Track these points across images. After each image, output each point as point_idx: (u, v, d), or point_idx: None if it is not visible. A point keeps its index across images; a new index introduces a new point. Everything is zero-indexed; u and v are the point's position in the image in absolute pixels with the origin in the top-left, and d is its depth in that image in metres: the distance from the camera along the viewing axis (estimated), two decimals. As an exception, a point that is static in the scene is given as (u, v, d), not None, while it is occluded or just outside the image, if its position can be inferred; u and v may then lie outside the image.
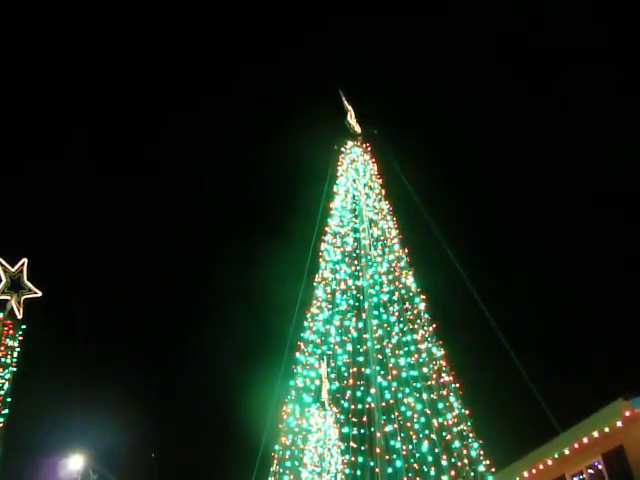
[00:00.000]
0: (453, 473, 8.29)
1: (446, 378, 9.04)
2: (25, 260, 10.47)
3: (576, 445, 13.51)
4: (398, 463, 8.22)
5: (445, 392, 8.96)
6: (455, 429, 8.81)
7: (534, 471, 14.62)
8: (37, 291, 11.53)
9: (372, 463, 7.84)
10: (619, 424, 12.45)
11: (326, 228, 10.74)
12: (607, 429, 12.73)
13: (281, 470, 8.71)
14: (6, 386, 11.42)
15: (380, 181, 11.53)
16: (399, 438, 8.55)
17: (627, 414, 12.29)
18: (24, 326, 11.81)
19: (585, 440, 13.39)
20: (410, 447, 8.75)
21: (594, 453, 13.68)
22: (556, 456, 14.21)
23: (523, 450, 16.32)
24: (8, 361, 11.52)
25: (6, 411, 11.37)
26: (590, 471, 13.85)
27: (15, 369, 11.71)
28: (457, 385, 9.07)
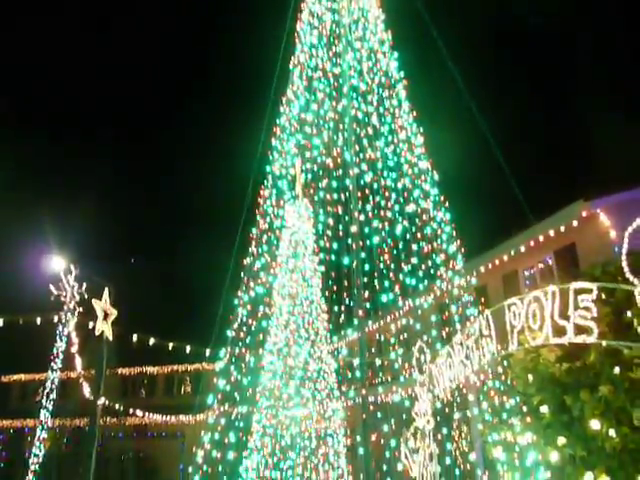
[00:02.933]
0: (425, 250, 8.70)
1: (423, 165, 9.06)
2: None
3: (531, 242, 14.32)
4: (376, 239, 8.55)
5: (422, 179, 9.04)
6: (430, 214, 9.06)
7: (490, 266, 15.80)
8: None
9: (344, 238, 8.05)
10: (575, 223, 13.04)
11: (302, 5, 9.78)
12: (563, 228, 13.36)
13: (259, 251, 8.96)
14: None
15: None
16: (372, 215, 8.77)
17: (584, 214, 12.83)
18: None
19: (540, 238, 14.15)
20: (385, 231, 9.04)
21: (547, 250, 14.61)
22: (512, 253, 15.12)
23: (485, 246, 17.52)
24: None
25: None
26: (540, 266, 15.01)
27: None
28: (434, 172, 9.14)
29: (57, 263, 15.94)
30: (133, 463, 27.69)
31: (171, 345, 17.00)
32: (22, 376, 35.41)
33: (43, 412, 13.51)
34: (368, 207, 8.92)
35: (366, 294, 8.67)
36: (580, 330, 6.48)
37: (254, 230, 9.10)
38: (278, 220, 9.44)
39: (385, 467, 10.67)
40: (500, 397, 8.95)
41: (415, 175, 8.91)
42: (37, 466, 13.01)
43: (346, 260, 8.78)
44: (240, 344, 9.22)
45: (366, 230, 8.95)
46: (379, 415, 13.00)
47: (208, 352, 9.29)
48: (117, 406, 21.69)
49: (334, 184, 9.43)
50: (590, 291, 6.43)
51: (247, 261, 8.80)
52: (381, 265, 8.98)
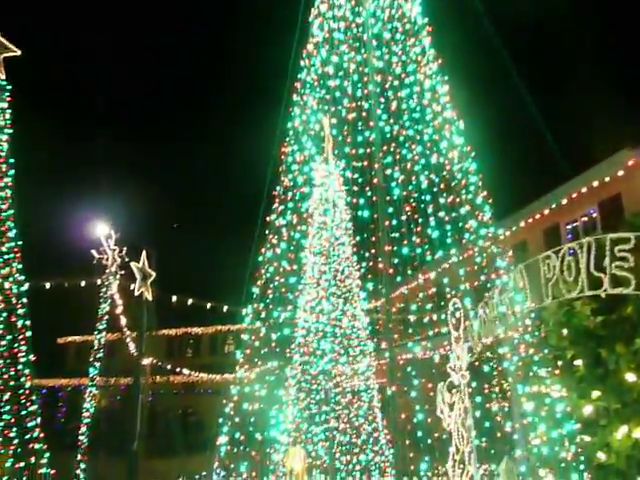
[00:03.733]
0: (452, 202, 8.48)
1: (449, 115, 8.73)
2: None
3: (574, 195, 13.76)
4: (397, 191, 8.38)
5: (447, 129, 8.73)
6: (456, 166, 8.78)
7: (530, 220, 15.30)
8: (15, 49, 10.74)
9: (370, 193, 7.91)
10: (620, 173, 12.46)
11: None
12: (607, 178, 12.80)
13: (283, 208, 8.92)
14: (5, 147, 11.30)
15: None
16: (397, 168, 8.58)
17: (630, 163, 12.24)
18: (9, 87, 11.29)
19: (583, 190, 13.57)
20: (410, 183, 8.84)
21: (590, 202, 14.01)
22: (553, 206, 14.59)
23: (524, 200, 16.98)
24: (2, 123, 11.25)
25: (12, 172, 11.41)
26: (584, 219, 14.42)
27: (11, 130, 11.50)
28: (460, 122, 8.80)
29: (100, 229, 16.38)
30: (181, 418, 28.90)
31: (209, 305, 17.37)
32: (76, 338, 37.23)
33: (92, 371, 14.17)
34: (393, 159, 8.71)
35: (392, 248, 8.54)
36: (617, 281, 6.22)
37: (278, 188, 9.04)
38: (302, 177, 9.34)
39: (420, 422, 10.74)
40: (533, 351, 8.79)
41: (440, 125, 8.60)
42: (89, 419, 13.69)
43: (371, 215, 8.66)
44: (272, 302, 9.30)
45: (393, 184, 8.77)
46: (413, 371, 13.03)
47: (245, 311, 9.42)
48: (162, 365, 22.50)
49: (359, 138, 9.24)
50: (628, 241, 6.13)
51: (271, 218, 8.78)
52: (407, 218, 8.81)
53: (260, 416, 9.04)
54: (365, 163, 9.15)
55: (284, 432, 11.84)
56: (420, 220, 8.78)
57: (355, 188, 9.61)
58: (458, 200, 8.56)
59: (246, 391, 8.74)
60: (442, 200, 8.72)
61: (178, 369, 30.01)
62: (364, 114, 8.84)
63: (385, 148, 8.81)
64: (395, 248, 8.71)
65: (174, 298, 19.29)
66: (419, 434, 10.72)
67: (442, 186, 8.58)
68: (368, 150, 9.04)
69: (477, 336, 11.24)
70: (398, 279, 9.09)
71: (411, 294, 12.75)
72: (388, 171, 8.80)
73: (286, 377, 12.45)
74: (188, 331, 35.80)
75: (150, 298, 15.55)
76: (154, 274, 15.65)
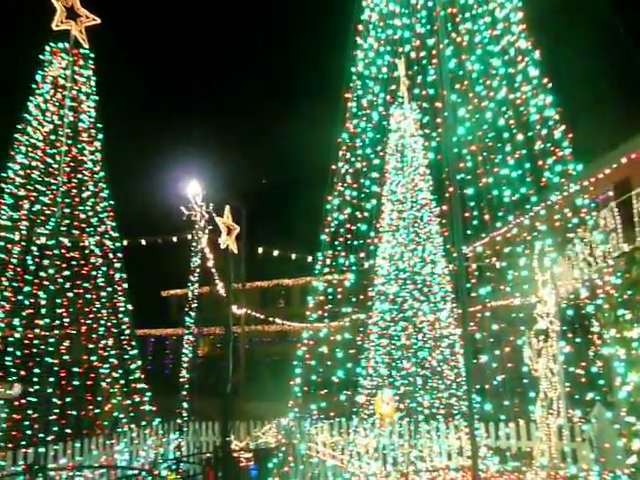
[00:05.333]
0: (528, 139, 7.97)
1: (524, 44, 8.10)
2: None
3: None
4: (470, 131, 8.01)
5: (521, 60, 8.10)
6: (533, 100, 8.20)
7: (634, 156, 14.03)
8: (95, 18, 11.19)
9: (442, 135, 7.62)
10: None
11: None
12: None
13: (354, 154, 8.80)
14: (93, 112, 11.92)
15: None
16: (470, 107, 8.16)
17: None
18: (92, 55, 11.84)
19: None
20: (484, 121, 8.40)
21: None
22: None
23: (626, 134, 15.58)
24: (88, 90, 11.87)
25: (101, 136, 12.05)
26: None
27: (97, 97, 12.10)
28: (537, 53, 8.13)
29: (188, 187, 17.10)
30: (275, 365, 30.36)
31: (293, 256, 17.85)
32: (178, 291, 39.83)
33: (188, 320, 15.14)
34: (464, 97, 8.27)
35: (465, 191, 8.22)
36: None
37: (344, 135, 8.91)
38: (371, 123, 9.15)
39: (508, 369, 10.58)
40: (624, 293, 8.27)
41: (513, 58, 8.01)
42: (188, 365, 14.72)
43: (446, 157, 8.34)
44: (348, 249, 9.37)
45: (466, 124, 8.37)
46: (497, 318, 12.76)
47: (316, 260, 9.57)
48: (255, 315, 23.60)
49: (428, 77, 8.85)
50: None
51: (337, 166, 8.71)
52: (482, 159, 8.42)
53: (339, 361, 9.30)
54: (437, 104, 8.77)
55: (366, 377, 12.15)
56: (496, 160, 8.36)
57: (427, 131, 9.24)
58: (536, 138, 8.03)
59: (322, 336, 8.98)
60: (519, 137, 8.22)
61: (271, 318, 31.37)
62: (433, 51, 8.41)
63: (457, 86, 8.36)
64: (470, 191, 8.38)
65: (260, 250, 19.99)
66: (504, 381, 10.57)
67: (517, 122, 8.07)
68: (439, 90, 8.64)
69: (562, 279, 10.76)
70: (475, 222, 8.77)
71: (491, 239, 12.33)
72: (461, 111, 8.40)
73: (366, 324, 12.68)
74: (279, 282, 37.12)
75: (235, 251, 16.21)
76: (238, 228, 16.22)
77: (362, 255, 9.84)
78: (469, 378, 7.93)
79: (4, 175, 10.69)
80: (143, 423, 12.04)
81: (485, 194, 8.45)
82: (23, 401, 10.73)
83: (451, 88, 8.22)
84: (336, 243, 9.43)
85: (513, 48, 7.98)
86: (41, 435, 8.99)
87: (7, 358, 10.23)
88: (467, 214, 8.62)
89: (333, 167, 8.60)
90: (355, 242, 9.45)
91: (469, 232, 8.87)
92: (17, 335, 10.37)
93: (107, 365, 10.85)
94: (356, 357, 11.78)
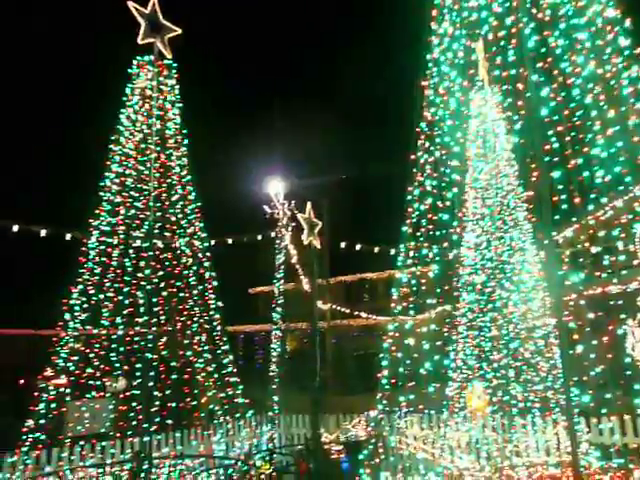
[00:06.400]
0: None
1: (612, 13, 7.56)
2: (155, -1, 10.42)
3: None
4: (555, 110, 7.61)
5: (610, 30, 7.55)
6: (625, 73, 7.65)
7: None
8: (176, 29, 11.71)
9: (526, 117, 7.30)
10: None
11: None
12: None
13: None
14: (178, 119, 12.46)
15: None
16: (555, 85, 7.74)
17: None
18: (175, 64, 12.39)
19: None
20: (570, 100, 7.95)
21: None
22: None
23: None
24: (173, 98, 12.43)
25: (186, 141, 12.56)
26: None
27: (181, 105, 12.65)
28: (628, 21, 7.58)
29: (271, 184, 17.51)
30: (361, 359, 30.41)
31: (376, 249, 17.82)
32: (264, 288, 40.88)
33: (275, 316, 15.49)
34: (548, 75, 7.87)
35: (554, 174, 7.82)
36: None
37: (422, 124, 8.76)
38: (449, 109, 8.92)
39: (601, 359, 10.00)
40: None
41: (600, 29, 7.50)
42: (277, 359, 15.09)
43: (530, 140, 7.99)
44: (430, 240, 9.23)
45: (551, 103, 7.96)
46: (593, 307, 12.01)
47: (398, 252, 9.51)
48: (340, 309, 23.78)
49: (508, 58, 8.49)
50: None
51: (416, 156, 8.58)
52: (569, 139, 7.98)
53: (426, 353, 9.19)
54: (518, 85, 8.42)
55: (455, 369, 11.90)
56: (585, 139, 7.90)
57: (509, 113, 8.87)
58: (630, 112, 7.50)
59: (407, 328, 8.90)
60: (611, 114, 7.71)
61: (356, 313, 31.46)
62: (513, 30, 8.07)
63: (540, 65, 7.98)
64: (558, 173, 7.97)
65: (342, 244, 20.11)
66: (604, 372, 9.99)
67: (608, 98, 7.57)
68: (521, 70, 8.29)
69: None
70: (564, 207, 8.33)
71: (583, 223, 11.66)
72: (545, 90, 8.01)
73: (454, 315, 12.42)
74: (364, 277, 37.16)
75: (319, 246, 16.41)
76: (320, 223, 16.43)
77: (445, 245, 9.64)
78: (566, 370, 7.60)
79: (102, 184, 11.44)
80: (237, 415, 12.51)
81: (575, 176, 8.00)
82: (128, 394, 11.49)
83: (533, 67, 7.88)
84: (418, 234, 9.30)
85: (600, 18, 7.48)
86: (145, 425, 9.58)
87: (112, 354, 10.97)
88: (556, 198, 8.20)
89: (412, 157, 8.48)
90: (438, 232, 9.27)
91: (558, 217, 8.43)
92: (120, 332, 11.10)
93: (201, 360, 11.37)
94: (444, 349, 11.58)
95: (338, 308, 30.12)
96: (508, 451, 10.33)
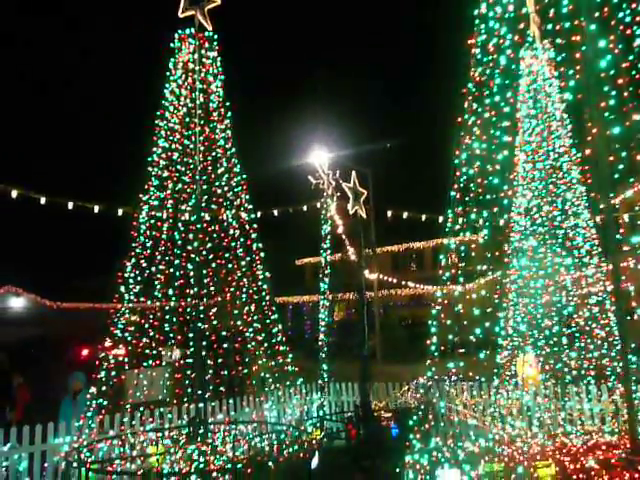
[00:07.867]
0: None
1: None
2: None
3: None
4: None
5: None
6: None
7: None
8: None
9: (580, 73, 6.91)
10: None
11: None
12: None
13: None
14: (221, 92, 12.48)
15: None
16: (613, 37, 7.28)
17: None
18: (216, 36, 12.33)
19: None
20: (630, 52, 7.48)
21: None
22: None
23: None
24: (215, 71, 12.42)
25: (229, 114, 12.59)
26: None
27: (223, 77, 12.63)
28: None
29: (315, 154, 17.42)
30: (410, 328, 30.40)
31: (423, 217, 17.55)
32: (311, 259, 41.16)
33: (322, 286, 15.59)
34: (605, 27, 7.41)
35: (610, 132, 7.42)
36: None
37: (469, 84, 8.42)
38: (498, 68, 8.53)
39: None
40: None
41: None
42: (325, 329, 15.23)
43: (586, 98, 7.59)
44: (478, 205, 8.97)
45: (608, 56, 7.51)
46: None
47: (445, 218, 9.30)
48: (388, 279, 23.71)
49: (563, 8, 8.03)
50: None
51: (463, 118, 8.29)
52: (628, 94, 7.52)
53: (475, 319, 9.03)
54: (574, 37, 7.96)
55: (506, 337, 11.70)
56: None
57: (563, 69, 8.42)
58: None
59: (456, 295, 8.77)
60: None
61: (403, 282, 31.29)
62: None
63: (596, 15, 7.51)
64: (617, 130, 7.56)
65: (389, 213, 19.92)
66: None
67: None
68: (576, 22, 7.85)
69: None
70: (622, 166, 7.91)
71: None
72: (602, 42, 7.57)
73: (503, 282, 12.15)
74: (410, 246, 36.79)
75: (364, 216, 16.30)
76: (365, 192, 16.27)
77: (495, 210, 9.38)
78: (623, 337, 7.35)
79: (150, 159, 11.62)
80: (287, 383, 12.75)
81: (634, 133, 7.57)
82: (182, 362, 11.86)
83: (589, 17, 7.44)
84: (467, 199, 9.05)
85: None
86: (199, 392, 9.88)
87: (166, 325, 11.31)
88: (612, 158, 7.79)
89: (459, 120, 8.21)
90: (487, 197, 9.00)
91: (616, 177, 8.03)
92: (172, 304, 11.40)
93: (251, 329, 11.58)
94: (494, 316, 11.39)
95: (385, 278, 30.04)
96: (561, 419, 10.15)
